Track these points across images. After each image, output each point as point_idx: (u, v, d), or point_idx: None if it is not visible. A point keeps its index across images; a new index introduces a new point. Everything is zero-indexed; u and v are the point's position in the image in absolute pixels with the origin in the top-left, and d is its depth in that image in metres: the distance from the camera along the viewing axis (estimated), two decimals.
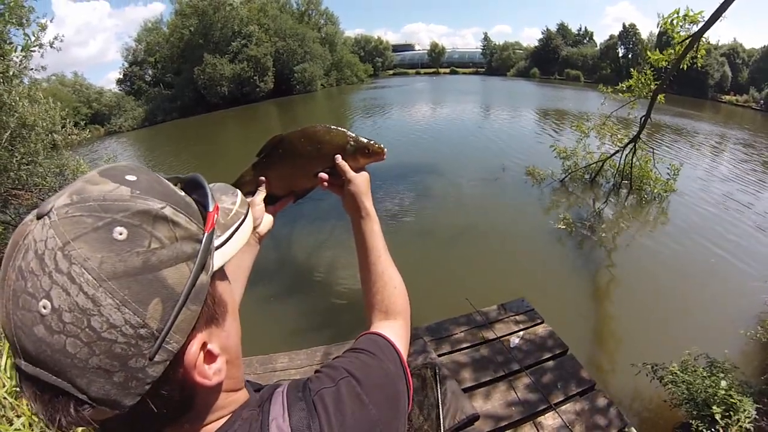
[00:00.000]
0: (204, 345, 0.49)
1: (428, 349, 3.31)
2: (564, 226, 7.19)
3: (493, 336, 3.61)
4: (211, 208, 0.51)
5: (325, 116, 25.87)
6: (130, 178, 0.47)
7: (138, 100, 33.00)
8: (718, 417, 2.91)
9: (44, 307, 0.39)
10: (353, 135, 0.93)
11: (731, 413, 2.92)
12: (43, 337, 0.40)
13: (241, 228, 0.58)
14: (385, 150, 0.94)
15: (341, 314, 5.09)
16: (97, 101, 31.24)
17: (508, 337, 3.62)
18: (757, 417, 2.98)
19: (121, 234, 0.42)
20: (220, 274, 0.54)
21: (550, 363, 3.38)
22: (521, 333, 3.66)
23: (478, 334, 3.66)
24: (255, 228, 0.89)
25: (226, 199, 0.60)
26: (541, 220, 7.88)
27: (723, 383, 3.06)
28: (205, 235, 0.49)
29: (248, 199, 0.81)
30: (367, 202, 0.92)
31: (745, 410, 2.90)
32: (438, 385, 2.87)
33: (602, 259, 6.38)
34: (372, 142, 0.93)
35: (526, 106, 23.84)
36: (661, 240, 6.94)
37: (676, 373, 3.31)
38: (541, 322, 3.80)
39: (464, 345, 3.54)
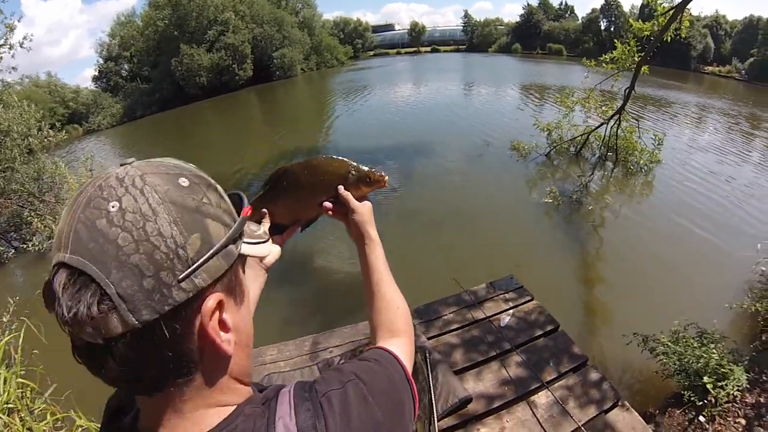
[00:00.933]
0: (221, 304, 0.52)
1: (417, 333, 3.24)
2: (551, 200, 7.15)
3: (483, 316, 3.54)
4: (246, 205, 0.60)
5: (307, 101, 25.49)
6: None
7: (115, 96, 32.18)
8: (710, 387, 2.91)
9: (113, 207, 0.46)
10: (355, 164, 0.96)
11: (723, 383, 2.92)
12: (102, 228, 0.45)
13: (262, 244, 0.66)
14: (386, 177, 0.96)
15: (329, 301, 5.01)
16: (74, 100, 30.48)
17: (497, 316, 3.56)
18: (748, 386, 2.98)
19: (184, 182, 0.51)
20: (242, 264, 0.61)
21: (542, 340, 3.32)
22: (511, 311, 3.60)
23: (468, 314, 3.59)
24: (261, 259, 0.95)
25: (252, 226, 0.68)
26: (527, 194, 7.84)
27: (714, 354, 3.05)
28: (241, 217, 0.58)
29: None
30: (371, 230, 0.96)
31: (735, 378, 2.90)
32: (429, 369, 2.81)
33: (590, 231, 6.35)
34: (373, 170, 0.96)
35: (509, 81, 23.70)
36: (648, 211, 6.95)
37: (667, 344, 3.29)
38: (531, 299, 3.74)
39: (454, 326, 3.46)
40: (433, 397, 2.63)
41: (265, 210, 0.97)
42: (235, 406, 0.57)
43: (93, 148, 19.48)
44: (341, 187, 0.95)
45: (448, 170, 9.23)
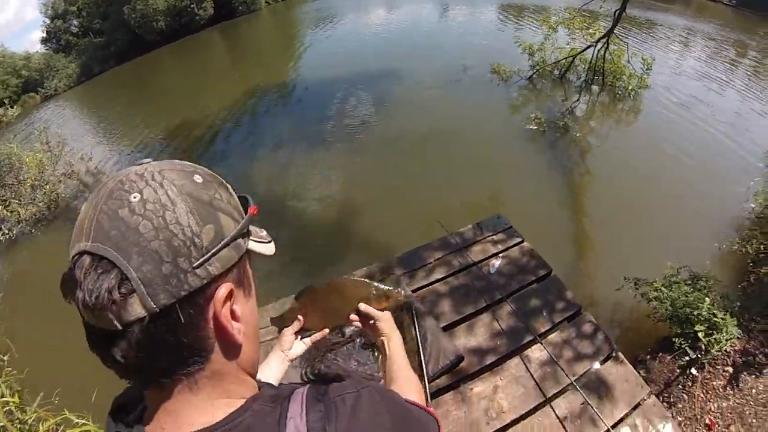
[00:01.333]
0: (231, 294, 0.54)
1: (402, 286, 2.95)
2: (536, 126, 6.73)
3: (471, 261, 3.26)
4: (252, 204, 0.62)
5: (272, 35, 23.62)
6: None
7: (68, 55, 28.89)
8: (701, 335, 2.76)
9: (134, 198, 0.48)
10: (375, 285, 1.12)
11: (714, 332, 2.77)
12: (124, 216, 0.47)
13: (267, 244, 0.65)
14: (403, 292, 1.14)
15: (309, 249, 4.68)
16: (26, 68, 26.98)
17: (486, 261, 3.30)
18: (739, 337, 2.82)
19: (198, 179, 0.54)
20: (249, 260, 0.62)
21: (534, 287, 3.09)
22: (500, 255, 3.34)
23: (454, 260, 3.31)
24: (283, 351, 1.15)
25: (256, 228, 0.66)
26: (510, 120, 7.35)
27: (707, 300, 2.88)
28: (248, 215, 0.59)
29: (284, 330, 1.16)
30: (392, 332, 1.11)
31: (728, 331, 2.73)
32: (416, 327, 2.55)
33: (577, 161, 6.04)
34: (390, 289, 1.11)
35: (486, 1, 22.20)
36: (635, 140, 6.62)
37: (660, 289, 3.11)
38: (521, 241, 3.46)
39: (441, 275, 3.18)
40: (423, 358, 2.39)
41: (300, 317, 1.15)
42: (243, 400, 0.57)
43: (51, 116, 17.53)
44: (362, 305, 1.09)
45: (424, 96, 8.53)
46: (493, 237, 3.53)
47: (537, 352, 2.61)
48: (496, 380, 2.48)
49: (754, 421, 2.54)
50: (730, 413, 2.59)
